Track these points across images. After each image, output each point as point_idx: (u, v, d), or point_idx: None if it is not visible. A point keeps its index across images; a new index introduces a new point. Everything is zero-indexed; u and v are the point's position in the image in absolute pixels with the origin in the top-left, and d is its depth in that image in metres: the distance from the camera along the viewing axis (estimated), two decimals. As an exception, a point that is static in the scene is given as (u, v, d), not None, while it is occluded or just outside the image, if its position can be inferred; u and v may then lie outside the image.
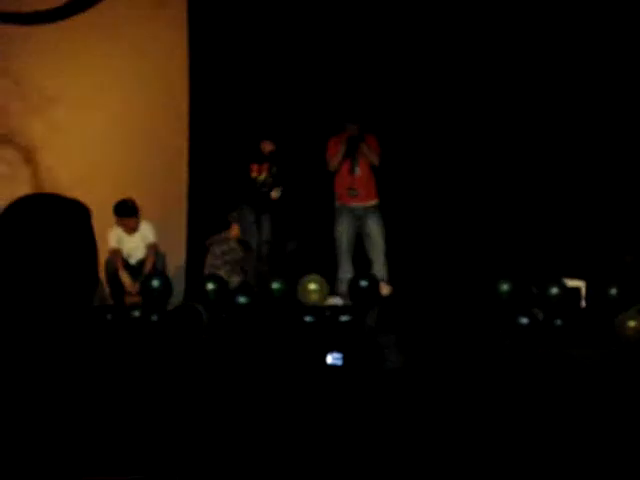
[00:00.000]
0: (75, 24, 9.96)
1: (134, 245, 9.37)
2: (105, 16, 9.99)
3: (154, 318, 8.36)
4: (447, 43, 9.97)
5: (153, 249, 9.37)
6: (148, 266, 9.30)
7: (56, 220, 2.13)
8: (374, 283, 8.85)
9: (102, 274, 9.01)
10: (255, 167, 9.56)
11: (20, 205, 2.15)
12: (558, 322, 8.36)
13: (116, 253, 9.23)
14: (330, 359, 5.86)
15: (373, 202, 9.38)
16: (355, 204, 9.34)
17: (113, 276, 9.16)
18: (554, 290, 8.64)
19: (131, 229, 9.33)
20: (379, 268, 9.23)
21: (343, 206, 9.38)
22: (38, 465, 2.00)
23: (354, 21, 10.07)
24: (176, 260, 9.94)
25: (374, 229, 9.30)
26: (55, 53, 9.90)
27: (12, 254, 2.08)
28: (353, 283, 8.79)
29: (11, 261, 2.08)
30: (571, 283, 8.88)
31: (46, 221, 2.12)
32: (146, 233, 9.39)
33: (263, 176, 9.53)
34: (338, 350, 5.96)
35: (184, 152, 10.14)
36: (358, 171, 9.32)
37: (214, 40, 10.18)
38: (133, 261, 9.39)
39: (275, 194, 9.48)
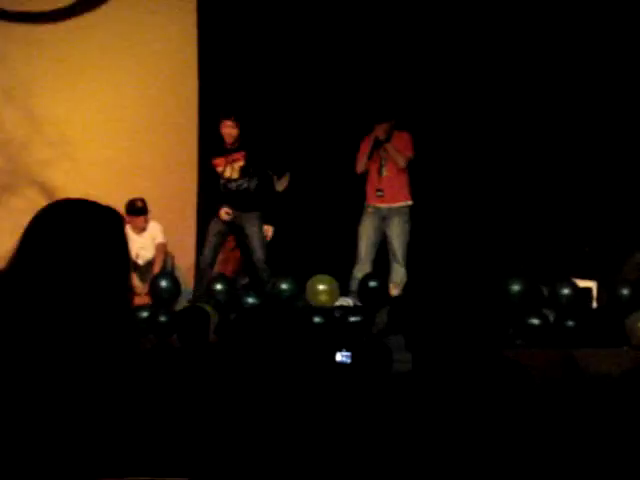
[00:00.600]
0: (81, 22, 9.95)
1: (143, 245, 9.36)
2: (112, 13, 9.97)
3: (162, 319, 8.31)
4: (485, 44, 9.90)
5: (162, 249, 9.35)
6: (157, 266, 9.28)
7: (90, 225, 2.14)
8: (383, 284, 8.79)
9: None
10: (218, 161, 9.14)
11: (54, 209, 2.16)
12: (569, 323, 8.31)
13: None
14: (339, 357, 5.83)
15: (400, 204, 9.31)
16: (381, 205, 9.28)
17: None
18: (565, 290, 8.58)
19: (139, 228, 9.33)
20: (394, 270, 9.18)
21: (369, 206, 9.35)
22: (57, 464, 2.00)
23: (386, 15, 9.98)
24: (185, 260, 9.92)
25: (393, 232, 9.25)
26: (60, 52, 9.87)
27: (48, 257, 2.08)
28: (362, 283, 8.73)
29: (47, 263, 2.08)
30: (582, 283, 8.83)
31: (80, 225, 2.13)
32: (155, 233, 9.38)
33: (228, 171, 9.12)
34: (347, 349, 5.93)
35: (194, 152, 10.11)
36: (385, 173, 9.27)
37: (226, 33, 10.09)
38: (141, 261, 9.36)
39: (280, 186, 9.21)
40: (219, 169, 9.10)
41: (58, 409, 2.01)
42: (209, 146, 9.47)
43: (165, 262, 9.39)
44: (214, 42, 10.11)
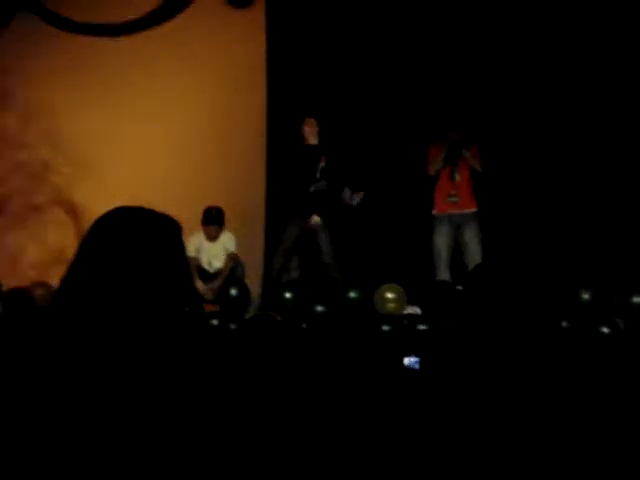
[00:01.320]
0: (153, 33, 10.05)
1: (215, 253, 9.44)
2: (181, 24, 10.06)
3: (232, 326, 8.38)
4: (551, 55, 9.85)
5: (231, 257, 9.42)
6: (223, 274, 9.34)
7: (150, 233, 2.14)
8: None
9: None
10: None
11: (114, 217, 2.17)
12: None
13: (191, 260, 9.29)
14: (407, 362, 5.82)
15: (472, 210, 9.22)
16: (453, 211, 9.22)
17: None
18: (636, 299, 8.50)
19: (212, 237, 9.41)
20: None
21: (441, 214, 9.24)
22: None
23: (456, 26, 9.97)
24: (254, 269, 9.97)
25: (472, 238, 9.13)
26: (129, 64, 9.96)
27: (106, 264, 2.08)
28: (430, 292, 8.71)
29: (106, 271, 2.08)
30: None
31: (139, 233, 2.13)
32: (228, 243, 9.45)
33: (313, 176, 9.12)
34: (416, 355, 5.92)
35: (262, 160, 10.16)
36: (458, 177, 9.20)
37: (295, 38, 10.11)
38: (212, 270, 9.45)
39: (354, 201, 9.17)
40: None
41: (114, 418, 2.01)
42: (278, 152, 9.53)
43: (235, 270, 9.46)
44: (282, 47, 10.15)
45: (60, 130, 9.85)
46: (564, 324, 8.29)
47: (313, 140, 9.13)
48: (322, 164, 9.12)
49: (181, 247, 2.18)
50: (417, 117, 9.88)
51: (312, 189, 9.13)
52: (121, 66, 9.98)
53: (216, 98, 10.08)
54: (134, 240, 2.12)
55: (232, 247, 9.46)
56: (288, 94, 10.07)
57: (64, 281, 2.10)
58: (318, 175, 9.15)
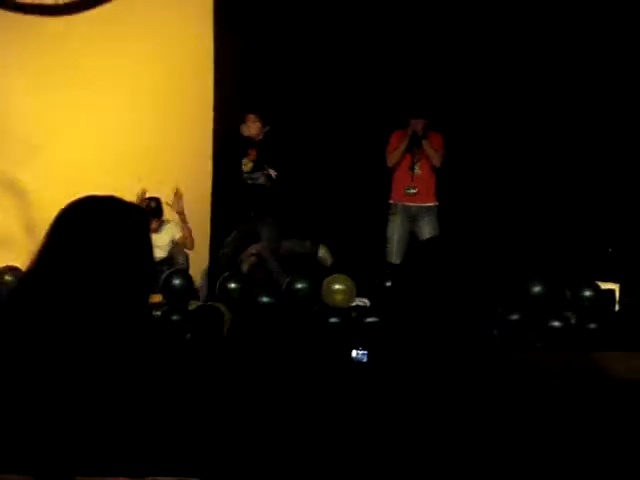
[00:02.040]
0: (96, 17, 9.85)
1: (158, 244, 9.27)
2: (123, 9, 9.87)
3: (175, 317, 8.21)
4: (523, 42, 9.74)
5: (186, 234, 9.30)
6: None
7: (116, 222, 2.13)
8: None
9: None
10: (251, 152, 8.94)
11: (79, 206, 2.15)
12: (591, 325, 8.18)
13: None
14: (355, 354, 5.77)
15: (430, 204, 9.09)
16: (411, 203, 9.06)
17: None
18: (587, 293, 8.45)
19: (152, 230, 9.25)
20: None
21: (397, 204, 9.09)
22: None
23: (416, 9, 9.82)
24: (200, 260, 9.81)
25: (425, 232, 8.97)
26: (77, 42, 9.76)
27: (72, 254, 2.07)
28: (378, 284, 8.59)
29: (72, 260, 2.07)
30: (605, 285, 8.69)
31: (105, 222, 2.12)
32: (173, 232, 9.32)
33: (248, 166, 8.93)
34: (364, 348, 5.85)
35: (208, 149, 9.99)
36: (418, 170, 9.04)
37: (244, 25, 9.91)
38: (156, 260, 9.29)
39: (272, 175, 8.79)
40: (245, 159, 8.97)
41: (70, 403, 2.00)
42: (225, 143, 9.34)
43: (179, 260, 9.30)
44: (230, 36, 9.97)
45: (7, 112, 9.64)
46: (514, 317, 8.22)
47: (253, 134, 8.86)
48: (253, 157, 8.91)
49: (148, 237, 2.19)
50: (380, 103, 9.69)
51: (249, 182, 8.94)
52: (68, 47, 9.79)
53: (163, 82, 9.90)
54: (102, 231, 2.11)
55: (178, 233, 9.35)
56: (236, 79, 9.88)
57: (30, 271, 2.10)
58: (249, 168, 8.91)
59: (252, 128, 8.83)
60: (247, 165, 8.95)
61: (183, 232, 9.36)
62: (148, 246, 2.17)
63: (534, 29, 9.76)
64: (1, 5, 9.63)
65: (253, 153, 8.92)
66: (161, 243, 9.27)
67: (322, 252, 9.09)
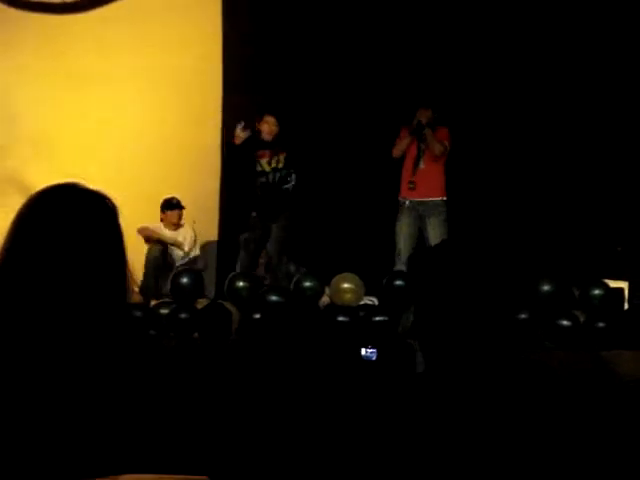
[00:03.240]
0: (103, 16, 9.82)
1: (177, 239, 9.31)
2: (131, 9, 9.84)
3: (183, 316, 8.19)
4: (533, 39, 9.71)
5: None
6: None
7: (81, 212, 2.02)
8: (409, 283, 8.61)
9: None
10: (262, 153, 8.95)
11: (45, 196, 2.04)
12: (600, 324, 8.15)
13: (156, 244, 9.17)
14: (364, 352, 5.75)
15: (436, 198, 9.03)
16: (415, 198, 9.00)
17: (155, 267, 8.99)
18: (596, 291, 8.42)
19: (174, 225, 9.27)
20: None
21: (405, 201, 9.05)
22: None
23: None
24: (209, 259, 9.81)
25: (434, 230, 8.91)
26: (83, 43, 9.74)
27: (38, 248, 1.98)
28: (388, 282, 8.55)
29: (37, 255, 1.97)
30: (614, 284, 8.66)
31: (71, 213, 2.02)
32: (189, 238, 9.35)
33: (268, 167, 8.96)
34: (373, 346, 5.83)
35: (217, 150, 9.96)
36: (422, 164, 9.01)
37: (253, 24, 9.87)
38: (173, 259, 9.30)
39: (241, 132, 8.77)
40: (263, 160, 8.95)
41: (52, 406, 1.92)
42: (234, 145, 9.35)
43: (199, 261, 9.34)
44: (239, 32, 9.94)
45: (14, 111, 9.64)
46: (523, 316, 8.20)
47: (268, 137, 8.90)
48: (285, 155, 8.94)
49: (116, 227, 2.06)
50: (390, 98, 9.66)
51: (265, 181, 8.96)
52: (74, 46, 9.75)
53: (171, 82, 9.88)
54: (67, 223, 2.01)
55: (195, 249, 9.43)
56: (246, 78, 9.86)
57: None
58: (270, 169, 8.95)
59: (273, 130, 8.87)
60: (264, 165, 8.97)
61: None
62: (117, 237, 2.05)
63: (543, 25, 9.73)
64: (10, 3, 9.61)
65: (267, 154, 8.94)
66: (178, 241, 9.29)
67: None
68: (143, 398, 2.00)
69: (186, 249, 9.33)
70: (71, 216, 2.01)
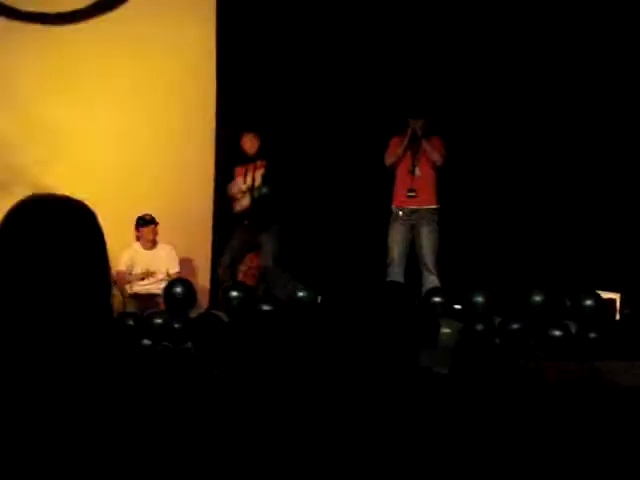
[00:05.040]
0: (98, 26, 9.82)
1: (152, 262, 9.19)
2: (129, 19, 9.84)
3: (176, 325, 8.20)
4: (526, 44, 9.72)
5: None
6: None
7: (62, 224, 2.00)
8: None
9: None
10: (240, 170, 9.20)
11: (22, 210, 2.02)
12: (592, 334, 8.17)
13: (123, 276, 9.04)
14: None
15: (431, 206, 9.02)
16: (412, 206, 9.00)
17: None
18: (588, 302, 8.44)
19: (149, 241, 9.20)
20: (425, 278, 8.90)
21: (399, 209, 9.06)
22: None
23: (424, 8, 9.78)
24: (202, 267, 9.80)
25: (423, 239, 8.95)
26: (76, 56, 9.74)
27: (17, 262, 1.96)
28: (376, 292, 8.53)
29: (17, 269, 1.95)
30: (605, 295, 8.68)
31: (51, 226, 1.99)
32: (167, 257, 9.22)
33: (249, 179, 9.14)
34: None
35: (211, 158, 9.95)
36: (418, 172, 9.02)
37: (246, 41, 9.88)
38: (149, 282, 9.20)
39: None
40: (239, 179, 9.06)
41: (40, 416, 1.91)
42: (227, 160, 9.42)
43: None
44: (233, 50, 9.94)
45: (29, 115, 9.63)
46: (515, 326, 8.21)
47: (251, 152, 9.11)
48: (262, 171, 9.05)
49: (98, 233, 2.04)
50: (380, 107, 9.67)
51: (255, 195, 9.01)
52: (77, 54, 9.72)
53: (166, 92, 9.86)
54: (48, 235, 1.98)
55: (175, 265, 9.25)
56: (239, 90, 9.87)
57: None
58: (259, 182, 9.06)
59: (254, 145, 9.06)
60: (250, 180, 9.08)
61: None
62: (100, 248, 2.03)
63: (535, 30, 9.71)
64: (9, 15, 9.61)
65: (251, 168, 9.09)
66: (155, 262, 9.20)
67: None
68: (136, 407, 1.98)
69: (164, 270, 9.22)
70: (50, 227, 1.99)
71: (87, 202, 2.09)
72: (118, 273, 8.93)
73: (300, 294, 8.57)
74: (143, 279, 9.15)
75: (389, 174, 9.13)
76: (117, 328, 2.08)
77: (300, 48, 9.84)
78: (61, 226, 1.99)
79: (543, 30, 9.73)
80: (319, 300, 8.21)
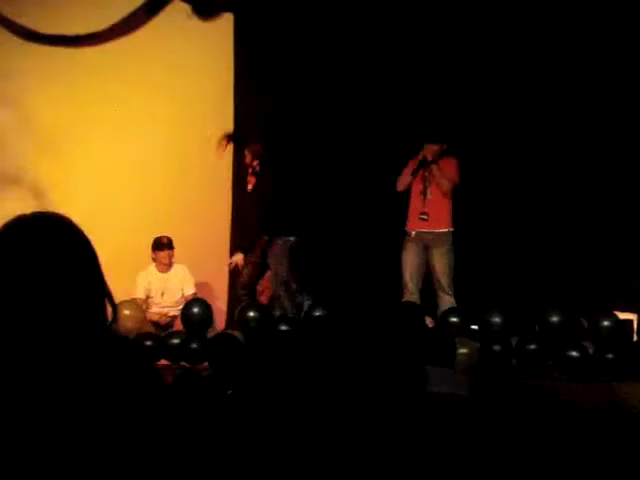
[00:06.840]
0: (116, 45, 9.90)
1: (168, 285, 9.19)
2: (146, 37, 9.91)
3: (194, 346, 8.22)
4: (545, 67, 9.72)
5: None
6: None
7: (47, 241, 1.99)
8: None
9: None
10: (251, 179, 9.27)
11: (11, 228, 2.01)
12: (609, 356, 8.14)
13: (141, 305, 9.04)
14: None
15: (443, 229, 9.01)
16: (424, 229, 9.01)
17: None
18: (605, 323, 8.41)
19: (164, 265, 9.19)
20: (441, 299, 8.88)
21: (412, 232, 9.04)
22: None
23: (440, 29, 9.78)
24: (219, 287, 9.82)
25: (437, 261, 8.92)
26: (90, 76, 9.81)
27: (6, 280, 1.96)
28: (389, 313, 8.53)
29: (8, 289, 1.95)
30: (623, 316, 8.65)
31: (39, 244, 1.99)
32: (183, 279, 9.22)
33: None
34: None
35: (228, 177, 9.98)
36: (429, 195, 9.02)
37: (265, 54, 9.92)
38: (167, 301, 9.19)
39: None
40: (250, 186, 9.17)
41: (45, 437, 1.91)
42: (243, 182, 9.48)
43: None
44: (251, 61, 9.99)
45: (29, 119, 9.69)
46: (532, 346, 8.20)
47: (255, 164, 9.17)
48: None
49: (93, 256, 2.03)
50: (400, 130, 9.68)
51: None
52: (89, 73, 9.81)
53: (182, 110, 9.92)
54: (40, 255, 1.98)
55: (191, 287, 9.25)
56: (256, 107, 9.90)
57: None
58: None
59: (247, 158, 9.16)
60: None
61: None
62: (89, 264, 2.02)
63: (555, 54, 9.72)
64: (30, 39, 9.69)
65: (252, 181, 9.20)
66: (170, 285, 9.21)
67: None
68: (151, 428, 1.98)
69: (179, 292, 9.21)
70: (37, 246, 1.99)
71: (105, 220, 2.10)
72: (138, 300, 8.97)
73: (317, 313, 8.57)
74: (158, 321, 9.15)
75: (402, 196, 9.14)
76: (117, 343, 2.04)
77: (321, 71, 9.87)
78: (48, 244, 1.99)
79: (563, 53, 9.73)
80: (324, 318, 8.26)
